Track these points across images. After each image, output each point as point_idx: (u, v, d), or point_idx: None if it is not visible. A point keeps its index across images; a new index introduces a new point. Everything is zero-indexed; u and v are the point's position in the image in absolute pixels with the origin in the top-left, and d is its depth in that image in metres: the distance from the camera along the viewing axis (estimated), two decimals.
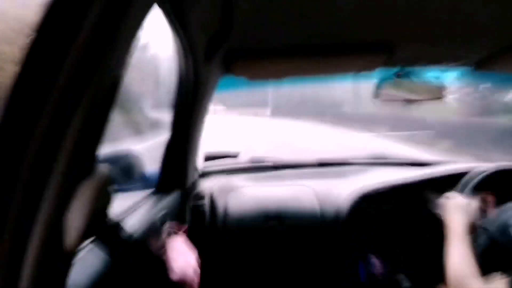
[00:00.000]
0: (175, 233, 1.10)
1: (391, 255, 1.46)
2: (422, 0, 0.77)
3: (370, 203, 1.38)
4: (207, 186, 1.48)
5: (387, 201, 1.39)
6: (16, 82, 0.36)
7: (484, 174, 1.21)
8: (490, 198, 1.35)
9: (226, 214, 1.38)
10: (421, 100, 1.31)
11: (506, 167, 1.24)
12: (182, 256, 1.02)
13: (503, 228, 1.05)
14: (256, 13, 0.83)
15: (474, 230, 1.04)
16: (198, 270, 1.05)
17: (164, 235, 1.05)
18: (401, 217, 1.38)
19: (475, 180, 1.20)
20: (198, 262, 1.07)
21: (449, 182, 1.40)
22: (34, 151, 0.36)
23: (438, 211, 1.15)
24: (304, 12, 0.83)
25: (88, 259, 0.64)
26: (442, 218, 1.11)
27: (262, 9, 0.81)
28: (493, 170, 1.22)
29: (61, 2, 0.35)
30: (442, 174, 1.43)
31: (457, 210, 1.06)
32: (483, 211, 1.30)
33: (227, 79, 1.25)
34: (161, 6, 0.68)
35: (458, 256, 0.95)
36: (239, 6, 0.78)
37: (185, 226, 1.12)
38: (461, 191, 1.19)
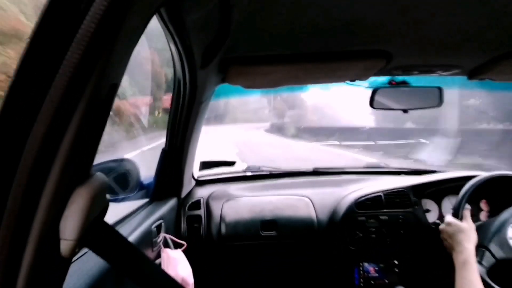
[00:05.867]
0: (172, 243, 1.10)
1: (385, 261, 1.46)
2: (416, 9, 0.78)
3: (365, 210, 1.38)
4: (203, 194, 1.48)
5: (382, 208, 1.39)
6: (11, 88, 0.35)
7: (479, 181, 1.21)
8: (485, 206, 1.36)
9: (221, 223, 1.37)
10: (416, 108, 1.33)
11: (501, 175, 1.25)
12: (175, 267, 1.01)
13: (503, 242, 1.05)
14: (253, 21, 0.84)
15: (477, 252, 1.03)
16: (192, 283, 1.03)
17: (159, 244, 1.03)
18: (396, 224, 1.38)
19: (470, 188, 1.21)
20: (191, 275, 1.06)
21: (444, 189, 1.41)
22: (30, 157, 0.36)
23: (441, 237, 1.13)
24: (300, 21, 0.84)
25: (83, 267, 0.63)
26: (447, 245, 1.10)
27: (258, 17, 0.82)
28: (488, 177, 1.23)
29: (58, 8, 0.35)
30: (437, 182, 1.44)
31: (464, 237, 1.04)
32: (477, 218, 1.31)
33: (223, 87, 1.25)
34: (158, 12, 0.68)
35: (473, 285, 0.94)
36: (236, 14, 0.79)
37: (185, 244, 1.12)
38: (458, 199, 1.20)
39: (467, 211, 1.13)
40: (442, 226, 1.14)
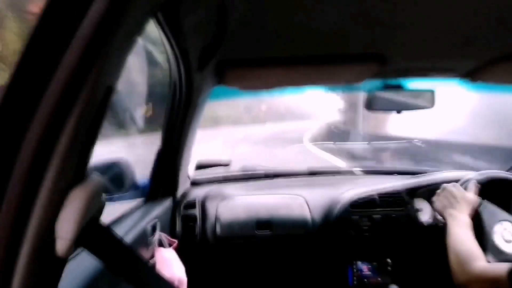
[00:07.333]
0: (166, 242, 1.10)
1: (379, 260, 1.47)
2: (410, 12, 0.79)
3: (359, 211, 1.40)
4: (198, 194, 1.48)
5: (376, 208, 1.40)
6: (7, 89, 0.36)
7: (472, 182, 1.23)
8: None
9: (217, 222, 1.37)
10: (411, 110, 1.34)
11: (494, 175, 1.27)
12: (169, 268, 1.01)
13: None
14: (249, 24, 0.85)
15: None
16: (185, 284, 1.04)
17: (154, 244, 1.04)
18: (389, 223, 1.39)
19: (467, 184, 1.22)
20: (185, 274, 1.06)
21: (436, 189, 1.43)
22: (26, 159, 0.36)
23: (439, 192, 1.14)
24: (296, 23, 0.85)
25: (78, 267, 0.64)
26: (444, 203, 1.10)
27: (254, 20, 0.83)
28: (481, 178, 1.24)
29: (55, 11, 0.36)
30: (431, 182, 1.45)
31: (465, 206, 1.05)
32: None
33: (219, 89, 1.26)
34: (155, 14, 0.69)
35: (462, 240, 0.95)
36: (233, 16, 0.79)
37: (176, 241, 1.12)
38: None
39: (473, 185, 1.13)
40: (447, 185, 1.13)
